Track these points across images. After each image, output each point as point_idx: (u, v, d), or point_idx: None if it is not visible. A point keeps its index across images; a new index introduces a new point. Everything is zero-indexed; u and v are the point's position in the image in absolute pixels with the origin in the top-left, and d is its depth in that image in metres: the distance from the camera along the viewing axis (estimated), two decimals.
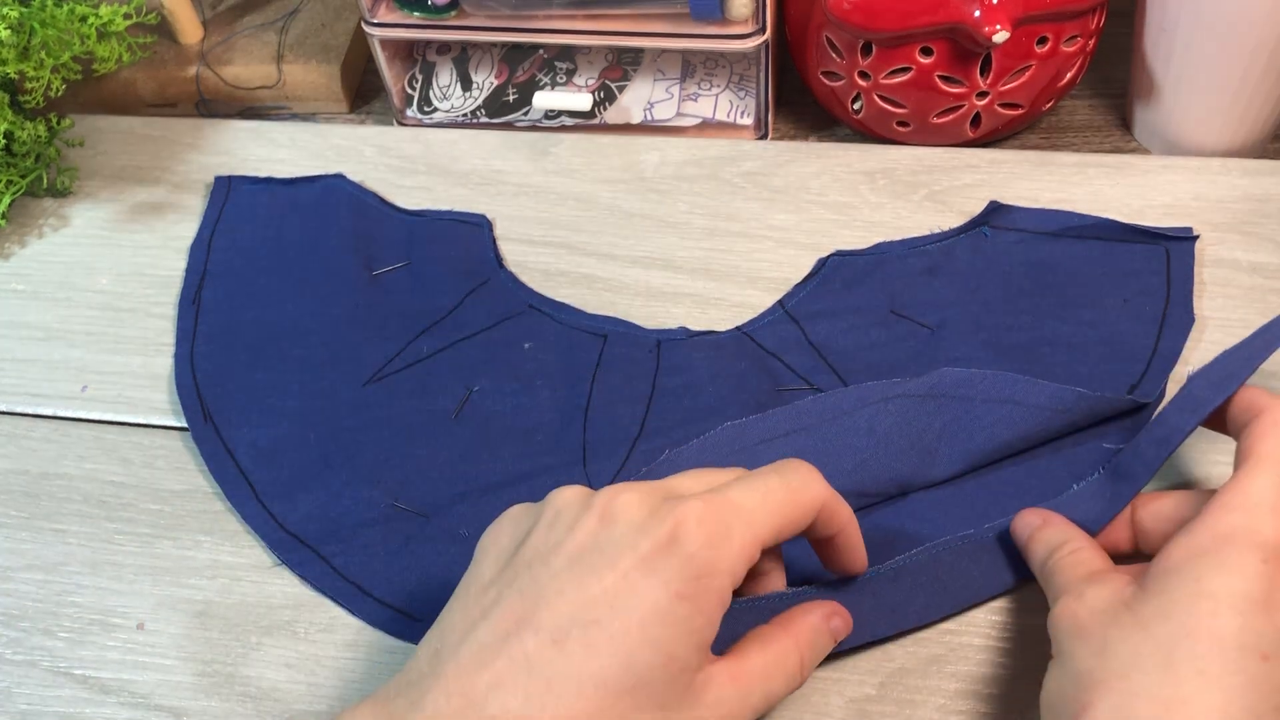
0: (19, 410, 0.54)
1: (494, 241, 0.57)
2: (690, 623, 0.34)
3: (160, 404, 0.53)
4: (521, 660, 0.33)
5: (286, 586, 0.47)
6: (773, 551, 0.41)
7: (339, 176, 0.60)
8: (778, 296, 0.54)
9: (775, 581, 0.41)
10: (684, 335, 0.53)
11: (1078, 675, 0.35)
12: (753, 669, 0.37)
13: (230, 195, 0.61)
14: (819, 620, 0.40)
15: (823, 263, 0.55)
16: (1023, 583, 0.44)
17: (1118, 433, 0.47)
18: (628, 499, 0.36)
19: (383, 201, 0.60)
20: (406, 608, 0.46)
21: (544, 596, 0.34)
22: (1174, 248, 0.53)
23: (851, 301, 0.53)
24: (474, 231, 0.58)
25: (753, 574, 0.41)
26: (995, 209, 0.55)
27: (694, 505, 0.35)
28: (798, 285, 0.54)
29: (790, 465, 0.38)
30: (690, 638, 0.34)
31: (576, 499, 0.37)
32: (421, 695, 0.34)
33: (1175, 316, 0.51)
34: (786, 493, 0.37)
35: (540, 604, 0.34)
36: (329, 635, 0.46)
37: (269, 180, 0.61)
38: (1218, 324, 0.51)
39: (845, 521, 0.39)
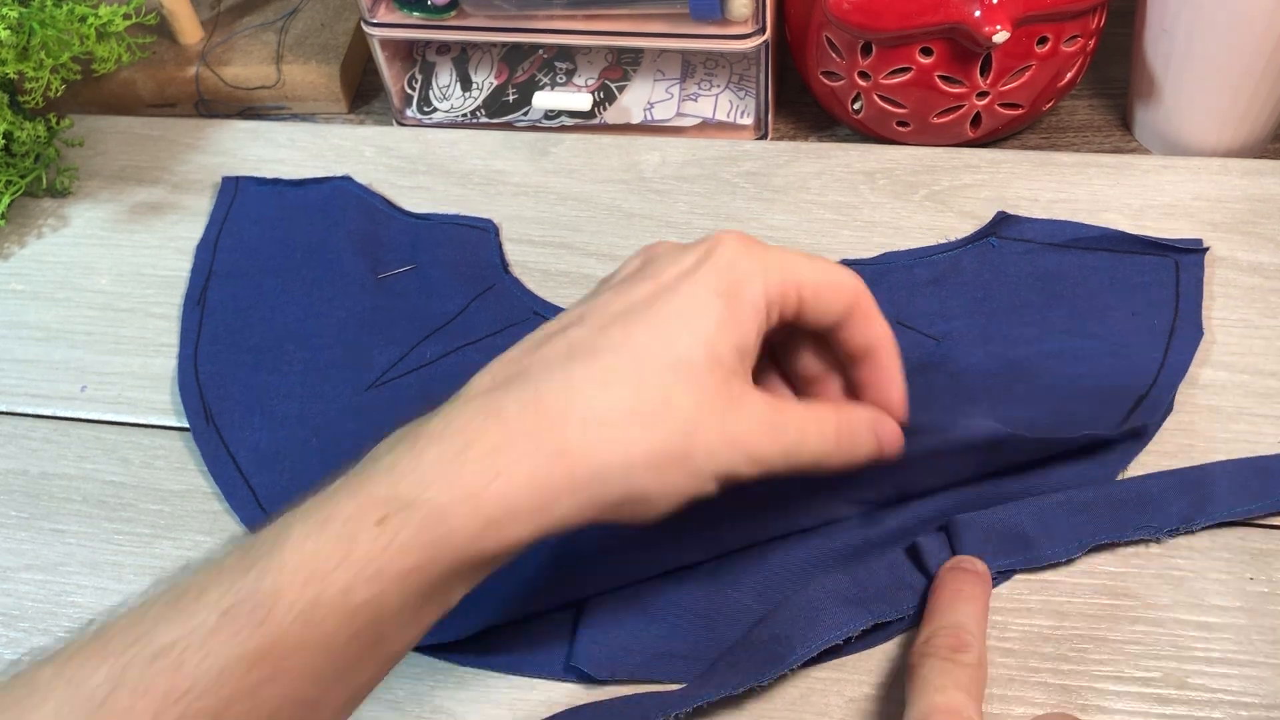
0: (19, 410, 0.54)
1: (500, 246, 0.57)
2: (726, 322, 0.37)
3: (160, 404, 0.53)
4: (563, 342, 0.37)
5: None
6: (825, 356, 0.42)
7: (346, 178, 0.60)
8: None
9: (829, 388, 0.42)
10: None
11: None
12: (792, 408, 0.39)
13: (238, 196, 0.60)
14: (864, 414, 0.41)
15: None
16: (1018, 583, 0.44)
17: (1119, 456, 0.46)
18: (675, 242, 0.41)
19: (390, 204, 0.59)
20: None
21: (595, 307, 0.38)
22: (1183, 260, 0.52)
23: None
24: (480, 236, 0.57)
25: (807, 379, 0.43)
26: (1003, 219, 0.54)
27: (731, 232, 0.39)
28: None
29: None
30: (726, 335, 0.37)
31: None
32: (472, 381, 0.38)
33: (1184, 330, 0.50)
34: (822, 259, 0.40)
35: (590, 311, 0.38)
36: None
37: (276, 181, 0.61)
38: (1218, 325, 0.51)
39: (881, 332, 0.41)
